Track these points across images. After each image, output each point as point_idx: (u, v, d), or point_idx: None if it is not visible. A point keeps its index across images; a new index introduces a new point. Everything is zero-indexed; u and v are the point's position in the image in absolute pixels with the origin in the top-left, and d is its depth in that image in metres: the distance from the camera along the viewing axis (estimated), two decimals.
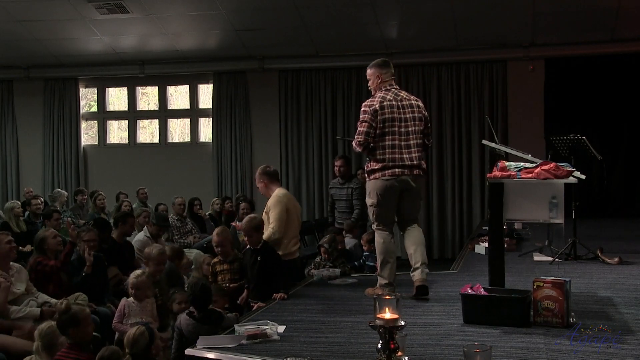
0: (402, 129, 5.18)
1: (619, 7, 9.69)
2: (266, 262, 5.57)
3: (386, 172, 5.15)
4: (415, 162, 5.21)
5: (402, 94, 5.29)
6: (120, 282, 6.39)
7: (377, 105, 5.15)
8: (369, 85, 5.38)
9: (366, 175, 5.34)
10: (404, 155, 5.17)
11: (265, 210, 6.14)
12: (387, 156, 5.15)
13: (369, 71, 5.36)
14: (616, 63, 10.66)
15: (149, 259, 5.76)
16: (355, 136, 5.19)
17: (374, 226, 5.41)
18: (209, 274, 5.88)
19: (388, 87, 5.28)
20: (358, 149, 5.22)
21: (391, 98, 5.21)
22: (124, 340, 4.08)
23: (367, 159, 5.32)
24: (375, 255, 6.95)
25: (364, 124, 5.15)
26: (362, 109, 5.21)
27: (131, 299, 5.19)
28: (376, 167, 5.17)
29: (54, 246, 6.04)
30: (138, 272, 5.32)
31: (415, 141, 5.22)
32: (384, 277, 5.29)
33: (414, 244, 5.32)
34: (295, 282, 6.14)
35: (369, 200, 5.33)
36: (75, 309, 4.33)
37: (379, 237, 5.33)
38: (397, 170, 5.15)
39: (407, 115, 5.21)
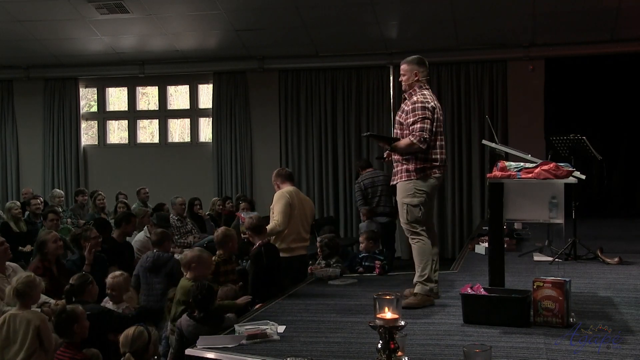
0: (441, 129, 5.18)
1: (619, 7, 9.68)
2: (265, 262, 5.58)
3: (436, 170, 5.07)
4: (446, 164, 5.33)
5: (434, 95, 5.27)
6: None
7: (432, 103, 5.06)
8: (402, 80, 5.21)
9: (412, 174, 5.04)
10: (445, 157, 5.20)
11: (271, 205, 6.22)
12: (439, 156, 5.08)
13: (405, 67, 5.19)
14: (616, 63, 10.66)
15: (188, 268, 5.27)
16: (419, 132, 4.94)
17: (415, 228, 5.08)
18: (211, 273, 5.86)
19: (427, 86, 5.20)
20: (422, 146, 4.95)
21: (434, 98, 5.17)
22: (121, 340, 4.09)
23: (408, 156, 5.05)
24: (373, 255, 6.95)
25: (427, 120, 4.97)
26: (420, 105, 5.01)
27: (108, 299, 5.23)
28: (429, 166, 5.04)
29: (54, 251, 6.05)
30: (117, 273, 5.31)
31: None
32: (432, 281, 5.08)
33: (435, 255, 5.22)
34: (293, 281, 6.13)
35: (413, 200, 5.04)
36: (72, 307, 4.37)
37: (425, 240, 5.06)
38: (442, 169, 5.14)
39: (441, 117, 5.23)
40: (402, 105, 5.21)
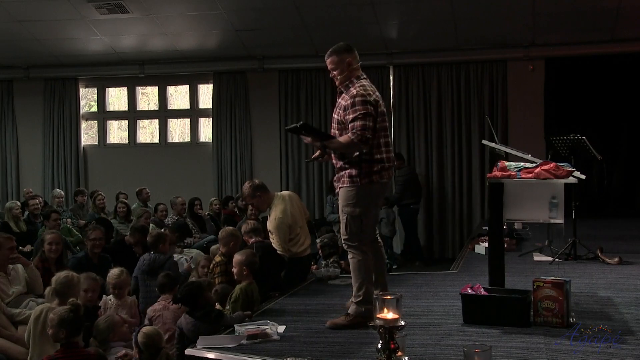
0: (385, 125, 4.50)
1: (619, 7, 9.69)
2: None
3: (384, 173, 4.42)
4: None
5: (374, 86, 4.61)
6: None
7: (374, 96, 4.39)
8: (336, 74, 4.51)
9: (355, 179, 4.38)
10: (392, 155, 4.57)
11: (268, 227, 6.14)
12: (384, 155, 4.41)
13: (334, 58, 4.49)
14: (616, 63, 10.66)
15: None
16: (360, 131, 4.24)
17: (353, 242, 4.44)
18: (215, 273, 5.86)
19: (364, 76, 4.54)
20: (362, 147, 4.28)
21: (374, 89, 4.51)
22: (139, 339, 4.11)
23: (352, 159, 4.40)
24: None
25: (369, 117, 4.27)
26: (360, 99, 4.32)
27: (110, 296, 5.28)
28: (375, 169, 4.38)
29: (48, 253, 6.05)
30: (117, 271, 5.31)
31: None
32: (369, 303, 4.12)
33: (382, 270, 4.73)
34: (296, 280, 6.15)
35: (354, 210, 4.39)
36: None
37: (364, 256, 4.44)
38: (388, 172, 4.49)
39: (384, 110, 4.57)
40: (339, 100, 4.53)
